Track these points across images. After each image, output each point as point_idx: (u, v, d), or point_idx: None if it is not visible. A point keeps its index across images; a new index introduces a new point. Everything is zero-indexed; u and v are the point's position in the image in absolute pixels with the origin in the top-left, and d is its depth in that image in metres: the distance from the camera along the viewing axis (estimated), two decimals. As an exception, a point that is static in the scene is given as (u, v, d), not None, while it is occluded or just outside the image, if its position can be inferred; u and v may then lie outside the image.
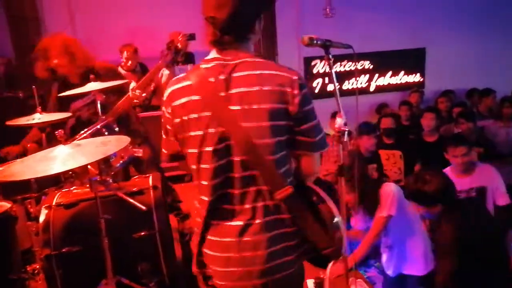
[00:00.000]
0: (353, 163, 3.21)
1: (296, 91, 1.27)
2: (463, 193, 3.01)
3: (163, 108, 1.38)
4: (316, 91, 5.75)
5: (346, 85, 5.80)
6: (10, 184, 2.24)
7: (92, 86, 2.64)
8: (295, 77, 1.29)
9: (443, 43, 5.85)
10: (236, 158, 1.29)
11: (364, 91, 5.90)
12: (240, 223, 1.31)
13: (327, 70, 5.66)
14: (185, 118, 1.31)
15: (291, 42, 5.30)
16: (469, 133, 4.08)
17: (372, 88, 5.93)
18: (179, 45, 3.54)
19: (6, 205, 1.88)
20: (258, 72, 1.28)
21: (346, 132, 1.81)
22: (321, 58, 5.55)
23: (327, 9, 5.32)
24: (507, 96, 5.09)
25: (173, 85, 1.36)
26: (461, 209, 2.35)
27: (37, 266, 2.11)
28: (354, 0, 5.56)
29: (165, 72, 3.55)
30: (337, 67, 5.64)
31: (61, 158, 1.87)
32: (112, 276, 1.90)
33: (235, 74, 1.29)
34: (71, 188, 2.26)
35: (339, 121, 1.78)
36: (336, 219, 1.36)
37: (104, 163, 2.07)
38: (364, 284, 2.44)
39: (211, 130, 1.28)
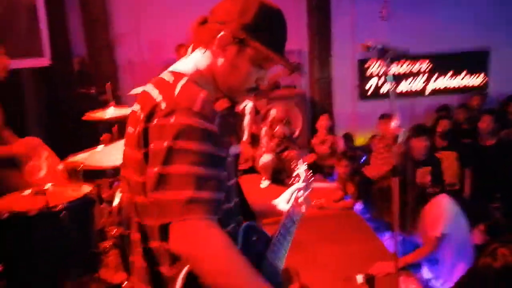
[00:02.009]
0: (405, 165, 3.21)
1: (141, 115, 0.95)
2: None
3: None
4: (370, 92, 5.72)
5: (402, 87, 5.72)
6: (90, 170, 2.53)
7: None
8: (158, 99, 0.93)
9: (510, 44, 5.58)
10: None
11: (420, 92, 5.77)
12: None
13: (382, 71, 5.61)
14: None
15: (346, 44, 5.31)
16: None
17: (428, 90, 5.79)
18: None
19: (88, 188, 2.13)
20: (145, 88, 1.03)
21: (400, 134, 1.87)
22: (372, 56, 5.51)
23: (383, 11, 5.27)
24: None
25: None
26: None
27: (109, 244, 2.35)
28: (410, 1, 5.45)
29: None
30: (393, 68, 5.57)
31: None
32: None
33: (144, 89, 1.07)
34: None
35: (393, 123, 1.84)
36: None
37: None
38: (414, 285, 2.46)
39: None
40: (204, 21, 1.03)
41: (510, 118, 4.92)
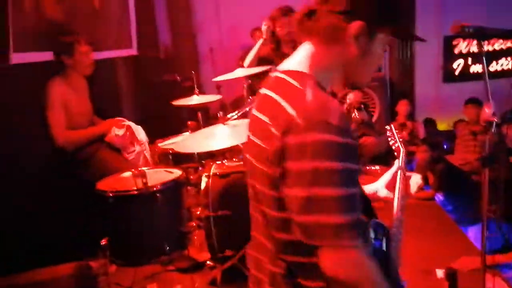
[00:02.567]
0: (497, 154, 2.99)
1: (278, 131, 0.87)
2: None
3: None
4: (457, 73, 5.33)
5: (493, 67, 5.24)
6: (179, 154, 2.73)
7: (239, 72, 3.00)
8: (291, 112, 0.86)
9: None
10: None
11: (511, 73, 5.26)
12: None
13: (471, 50, 5.19)
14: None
15: (430, 20, 4.98)
16: None
17: (523, 70, 5.25)
18: None
19: (178, 172, 2.32)
20: (268, 93, 0.96)
21: (495, 123, 1.77)
22: (463, 37, 5.10)
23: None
24: None
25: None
26: None
27: (194, 224, 2.54)
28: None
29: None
30: (485, 47, 5.13)
31: (221, 136, 2.23)
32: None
33: (263, 91, 1.01)
34: (224, 161, 2.63)
35: (487, 111, 1.74)
36: None
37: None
38: (503, 284, 2.33)
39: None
40: (312, 12, 0.95)
41: None
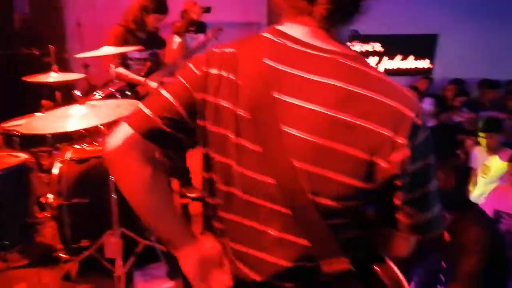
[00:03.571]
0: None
1: (401, 140, 0.74)
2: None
3: (189, 64, 0.88)
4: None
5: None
6: (27, 137, 2.41)
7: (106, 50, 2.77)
8: (409, 113, 0.75)
9: (456, 31, 5.82)
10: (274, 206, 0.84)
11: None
12: None
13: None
14: (220, 102, 0.84)
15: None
16: (471, 123, 4.16)
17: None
18: (194, 16, 3.62)
19: (23, 156, 2.05)
20: (341, 84, 0.75)
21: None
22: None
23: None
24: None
25: (215, 48, 0.89)
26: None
27: (48, 214, 2.28)
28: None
29: (177, 39, 3.63)
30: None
31: (77, 117, 2.02)
32: (117, 228, 2.08)
33: (298, 72, 0.78)
34: (83, 145, 2.42)
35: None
36: None
37: (116, 124, 2.22)
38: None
39: (247, 144, 0.82)
40: None
41: (449, 103, 5.20)
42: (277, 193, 0.81)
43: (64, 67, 4.03)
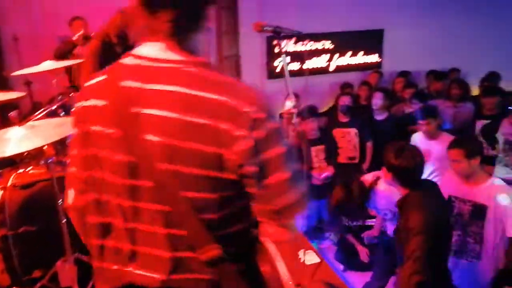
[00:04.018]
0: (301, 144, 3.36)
1: (240, 132, 0.84)
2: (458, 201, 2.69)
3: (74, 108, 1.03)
4: (278, 70, 5.84)
5: (308, 65, 5.92)
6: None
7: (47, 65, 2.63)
8: (248, 108, 0.85)
9: (400, 26, 6.04)
10: (148, 207, 0.94)
11: (324, 70, 6.03)
12: None
13: (290, 49, 5.74)
14: (92, 128, 0.95)
15: (254, 20, 5.27)
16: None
17: (332, 68, 6.07)
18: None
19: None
20: (182, 90, 0.86)
21: (295, 114, 1.94)
22: (283, 37, 5.59)
23: (288, -12, 5.35)
24: (457, 77, 5.39)
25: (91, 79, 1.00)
26: (428, 191, 2.29)
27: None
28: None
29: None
30: (299, 47, 5.73)
31: (15, 140, 1.89)
32: (70, 254, 1.97)
33: (150, 86, 0.89)
34: (27, 169, 2.27)
35: (288, 104, 1.89)
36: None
37: (60, 144, 2.10)
38: (315, 255, 2.61)
39: (118, 157, 0.92)
40: None
41: (398, 95, 5.39)
42: (156, 194, 0.91)
43: (3, 85, 3.80)
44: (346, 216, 3.51)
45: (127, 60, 0.96)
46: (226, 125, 0.84)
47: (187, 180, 0.88)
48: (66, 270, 1.98)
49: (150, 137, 0.88)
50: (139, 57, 0.94)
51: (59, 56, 3.52)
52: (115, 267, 1.00)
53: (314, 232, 4.17)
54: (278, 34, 1.85)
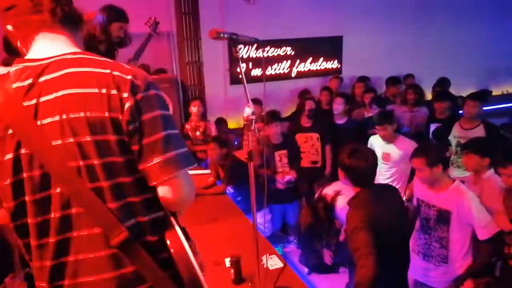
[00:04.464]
0: (262, 149, 3.36)
1: (125, 94, 0.99)
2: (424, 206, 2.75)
3: None
4: (241, 76, 5.83)
5: (269, 71, 5.97)
6: None
7: None
8: (128, 77, 1.01)
9: (358, 33, 6.24)
10: (54, 191, 1.00)
11: (286, 76, 6.11)
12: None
13: (251, 55, 5.77)
14: None
15: (215, 27, 5.26)
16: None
17: (293, 74, 6.16)
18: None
19: None
20: (69, 70, 1.00)
21: (254, 121, 1.93)
22: (243, 44, 5.61)
23: (249, -5, 5.39)
24: (412, 83, 5.61)
25: None
26: (376, 194, 2.32)
27: None
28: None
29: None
30: (260, 53, 5.78)
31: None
32: (20, 270, 1.87)
33: (43, 78, 1.00)
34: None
35: (247, 110, 1.88)
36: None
37: None
38: (277, 259, 2.61)
39: (19, 152, 0.99)
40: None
41: (358, 100, 5.54)
42: (54, 178, 0.99)
43: None
44: (318, 239, 3.52)
45: (14, 66, 1.04)
46: (114, 91, 0.98)
47: (89, 148, 0.98)
48: (15, 286, 1.88)
49: (48, 120, 0.98)
50: (25, 60, 1.04)
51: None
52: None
53: (278, 236, 4.19)
54: (235, 41, 1.84)
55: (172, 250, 1.03)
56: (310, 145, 4.57)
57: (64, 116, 0.97)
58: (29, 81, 0.99)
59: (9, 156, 0.99)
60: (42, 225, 0.99)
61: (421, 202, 2.76)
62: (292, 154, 4.04)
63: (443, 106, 4.40)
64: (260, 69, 5.80)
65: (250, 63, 5.81)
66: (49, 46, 1.04)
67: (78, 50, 1.07)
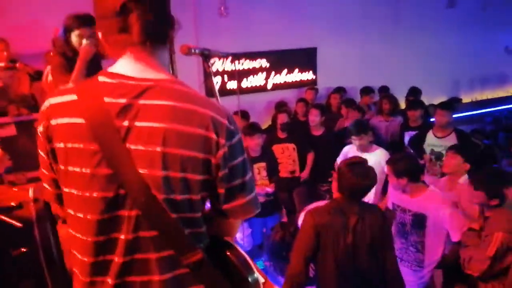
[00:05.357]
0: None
1: (223, 140, 0.99)
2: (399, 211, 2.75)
3: (38, 127, 1.05)
4: (216, 89, 5.80)
5: (245, 83, 5.97)
6: None
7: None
8: (225, 120, 1.00)
9: (331, 44, 6.33)
10: (126, 213, 1.00)
11: (262, 89, 6.11)
12: None
13: (226, 68, 5.76)
14: (68, 145, 1.00)
15: (189, 40, 5.23)
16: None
17: (269, 86, 6.16)
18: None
19: None
20: (171, 103, 0.97)
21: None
22: (219, 56, 5.60)
23: (222, 8, 5.39)
24: (387, 93, 5.71)
25: (54, 96, 1.04)
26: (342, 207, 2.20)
27: None
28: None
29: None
30: (235, 65, 5.77)
31: None
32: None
33: (142, 101, 0.97)
34: None
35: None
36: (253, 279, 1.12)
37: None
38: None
39: (98, 169, 0.98)
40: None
41: (334, 111, 5.59)
42: (130, 201, 0.98)
43: None
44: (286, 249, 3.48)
45: (104, 78, 1.02)
46: (213, 135, 0.98)
47: (171, 183, 0.98)
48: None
49: (135, 146, 0.97)
50: (119, 76, 1.01)
51: None
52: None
53: (259, 250, 4.13)
54: (207, 56, 1.83)
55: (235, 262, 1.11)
56: (287, 155, 4.56)
57: (158, 149, 0.96)
58: (124, 100, 0.98)
59: (84, 170, 0.99)
60: (106, 244, 1.01)
61: (396, 206, 2.78)
62: (270, 167, 4.02)
63: (416, 114, 4.50)
64: (235, 81, 5.79)
65: (226, 76, 5.79)
66: (141, 66, 1.02)
67: (169, 77, 1.04)
